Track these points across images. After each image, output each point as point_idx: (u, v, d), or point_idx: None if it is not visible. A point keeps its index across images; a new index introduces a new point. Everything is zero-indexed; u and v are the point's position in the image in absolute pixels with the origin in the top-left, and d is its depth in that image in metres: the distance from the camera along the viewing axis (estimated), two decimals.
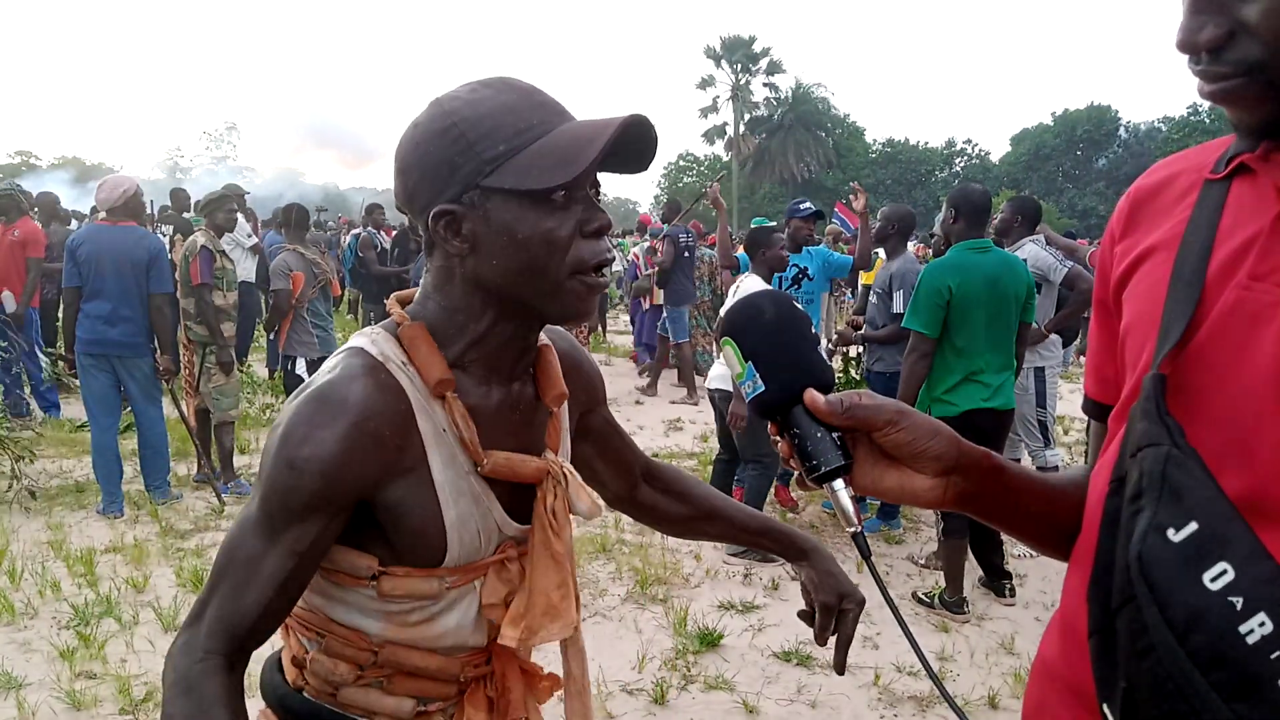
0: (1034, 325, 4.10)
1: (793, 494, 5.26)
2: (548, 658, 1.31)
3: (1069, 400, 7.16)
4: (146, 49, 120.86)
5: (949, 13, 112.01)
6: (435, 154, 0.95)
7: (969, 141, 58.55)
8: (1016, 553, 4.43)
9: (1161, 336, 0.71)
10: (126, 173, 14.29)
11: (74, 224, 9.36)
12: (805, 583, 1.28)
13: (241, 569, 0.93)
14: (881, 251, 5.27)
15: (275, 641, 1.15)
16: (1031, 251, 4.60)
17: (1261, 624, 0.56)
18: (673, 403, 8.37)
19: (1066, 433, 7.38)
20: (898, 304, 4.59)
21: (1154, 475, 0.64)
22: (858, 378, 5.42)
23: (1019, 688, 3.19)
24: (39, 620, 3.61)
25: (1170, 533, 0.61)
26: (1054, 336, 4.78)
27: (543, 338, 1.11)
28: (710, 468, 5.05)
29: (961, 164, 50.45)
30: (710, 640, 3.52)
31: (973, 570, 4.05)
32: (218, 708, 0.88)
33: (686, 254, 8.52)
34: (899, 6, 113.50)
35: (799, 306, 0.89)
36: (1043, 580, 4.28)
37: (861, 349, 5.25)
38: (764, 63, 49.35)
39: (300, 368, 5.49)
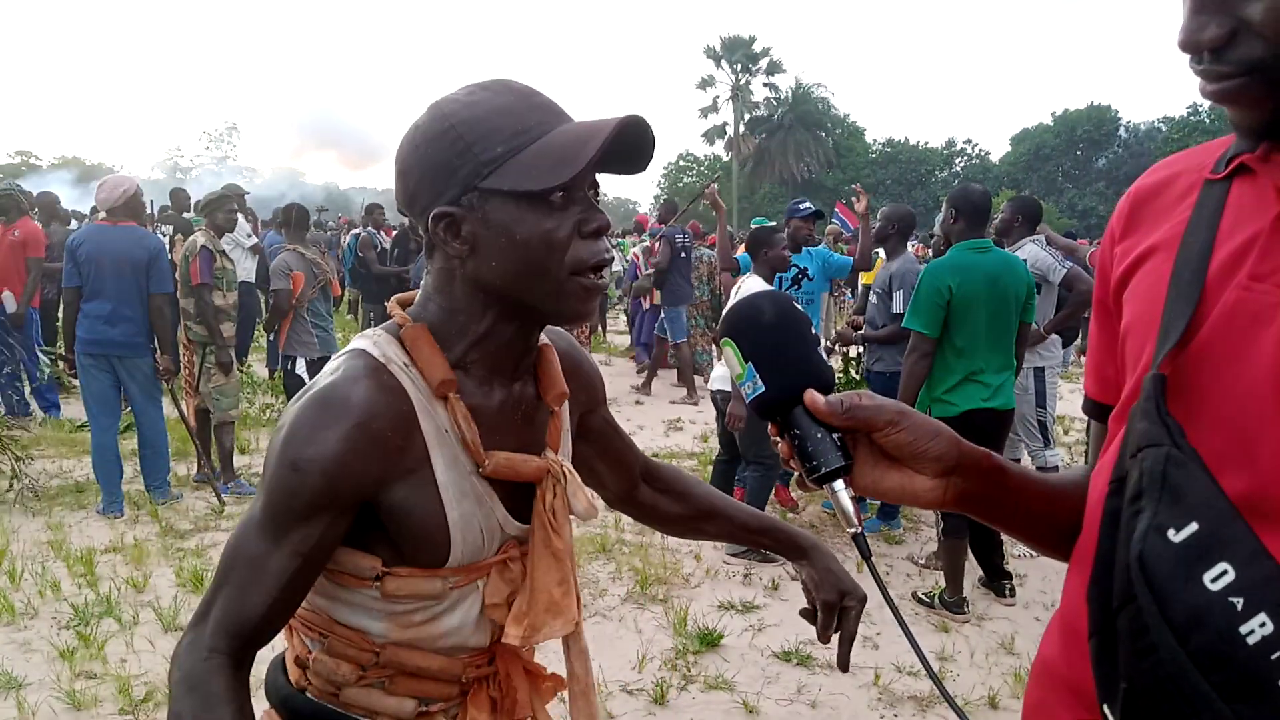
0: (1033, 326, 4.11)
1: (793, 494, 5.26)
2: (548, 658, 1.31)
3: (1069, 400, 7.17)
4: (147, 49, 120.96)
5: (949, 13, 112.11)
6: (434, 157, 0.96)
7: (969, 141, 58.61)
8: (1016, 553, 4.43)
9: (1162, 337, 0.71)
10: (126, 173, 14.28)
11: (74, 224, 9.36)
12: (806, 581, 1.29)
13: (245, 569, 0.94)
14: (881, 251, 5.28)
15: (280, 643, 1.15)
16: (1031, 252, 4.60)
17: (1262, 624, 0.56)
18: (673, 403, 8.37)
19: (1066, 433, 7.38)
20: (897, 304, 4.59)
21: (1154, 475, 0.64)
22: (857, 378, 5.42)
23: (1019, 688, 3.19)
24: (39, 620, 3.61)
25: (1171, 533, 0.61)
26: (1054, 336, 4.78)
27: (543, 338, 1.11)
28: (710, 468, 5.05)
29: (961, 164, 50.46)
30: (710, 640, 3.52)
31: (973, 570, 4.05)
32: (223, 706, 0.88)
33: (683, 254, 8.53)
34: (899, 6, 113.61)
35: (799, 307, 0.90)
36: (1043, 580, 4.28)
37: (861, 349, 5.25)
38: (764, 63, 49.37)
39: (300, 368, 5.49)
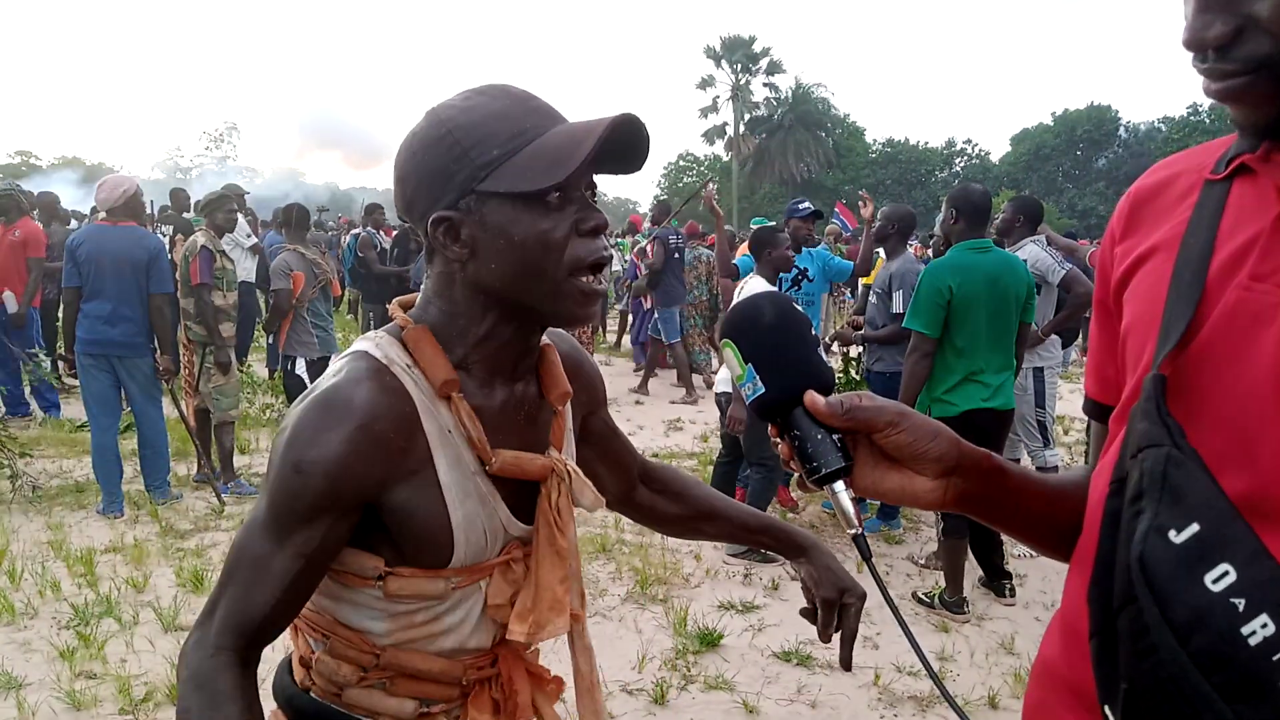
0: (1033, 327, 4.10)
1: (793, 494, 5.26)
2: (550, 660, 1.31)
3: (1069, 400, 7.17)
4: (147, 49, 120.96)
5: (949, 13, 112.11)
6: (431, 162, 0.97)
7: (969, 141, 58.58)
8: (1016, 553, 4.43)
9: (1162, 337, 0.71)
10: (127, 173, 14.27)
11: (74, 224, 9.36)
12: (805, 579, 1.29)
13: (249, 570, 0.94)
14: (881, 251, 5.28)
15: (289, 644, 1.15)
16: (1032, 252, 4.60)
17: (1264, 625, 0.56)
18: (672, 403, 8.37)
19: (1066, 433, 7.38)
20: (897, 304, 4.59)
21: (1155, 476, 0.64)
22: (857, 378, 5.42)
23: (1019, 688, 3.19)
24: (39, 620, 3.61)
25: (1171, 534, 0.61)
26: (1053, 336, 4.78)
27: (544, 339, 1.12)
28: (710, 468, 5.05)
29: (961, 164, 50.44)
30: (710, 640, 3.52)
31: (973, 570, 4.05)
32: (229, 704, 0.89)
33: (676, 255, 8.54)
34: (899, 6, 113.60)
35: (799, 308, 0.90)
36: (1043, 580, 4.28)
37: (861, 349, 5.25)
38: (764, 63, 49.33)
39: (300, 368, 5.49)
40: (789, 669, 3.36)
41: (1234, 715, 0.57)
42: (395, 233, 9.91)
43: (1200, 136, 36.86)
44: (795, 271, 5.04)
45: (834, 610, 1.25)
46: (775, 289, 4.24)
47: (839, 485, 0.83)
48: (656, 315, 8.68)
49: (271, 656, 1.01)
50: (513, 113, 0.96)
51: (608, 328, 12.87)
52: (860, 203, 5.67)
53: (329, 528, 0.95)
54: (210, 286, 5.20)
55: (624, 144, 0.98)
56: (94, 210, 6.77)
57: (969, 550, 3.91)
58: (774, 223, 5.64)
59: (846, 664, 1.23)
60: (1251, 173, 0.71)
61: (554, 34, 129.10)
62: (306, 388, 1.02)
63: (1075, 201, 43.25)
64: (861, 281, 8.01)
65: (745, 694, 3.14)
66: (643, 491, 1.39)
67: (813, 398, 0.83)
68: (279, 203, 7.13)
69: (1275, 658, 0.56)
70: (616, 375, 9.56)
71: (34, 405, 7.17)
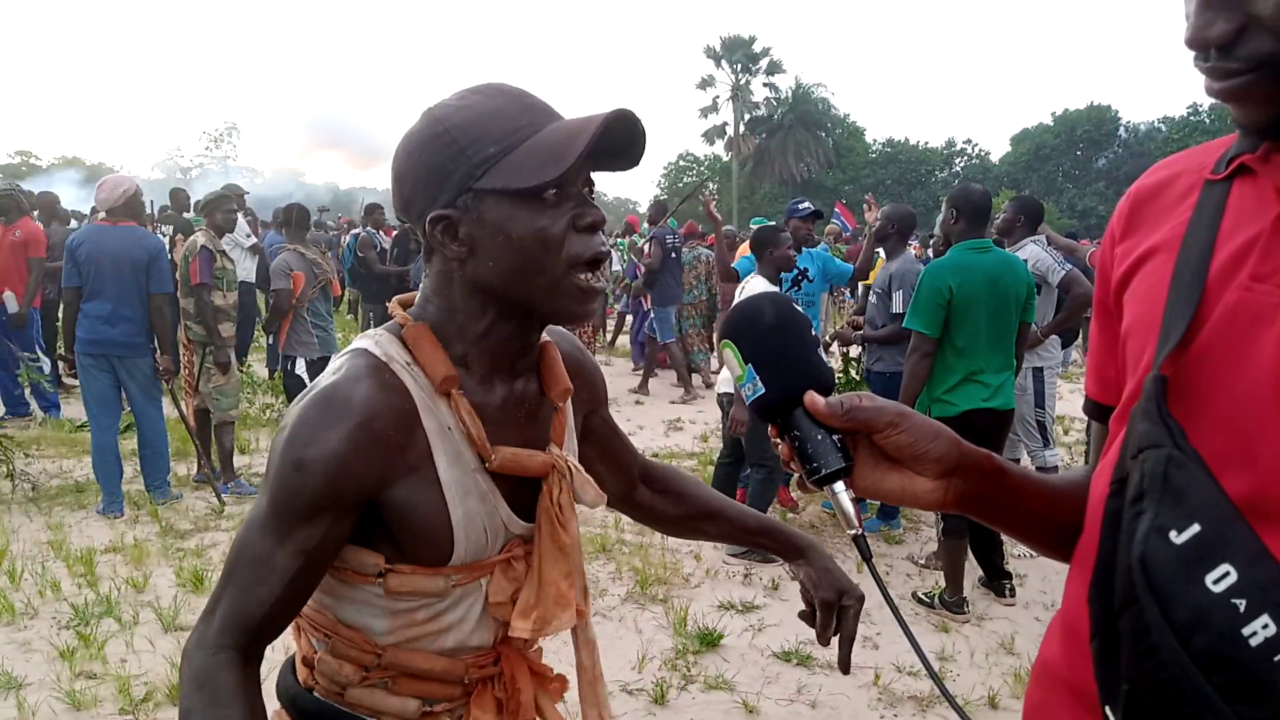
0: (1033, 327, 4.10)
1: (793, 495, 5.26)
2: (551, 658, 1.31)
3: (1069, 400, 7.17)
4: (147, 49, 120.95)
5: (949, 13, 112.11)
6: (428, 161, 0.97)
7: (969, 141, 58.52)
8: (1016, 553, 4.43)
9: (1162, 338, 0.71)
10: (127, 173, 14.28)
11: (74, 224, 9.36)
12: (804, 581, 1.28)
13: (250, 568, 0.94)
14: (881, 251, 5.28)
15: (291, 645, 1.15)
16: (1032, 252, 4.60)
17: (1265, 626, 0.56)
18: (672, 403, 8.38)
19: (1066, 433, 7.38)
20: (897, 304, 4.59)
21: (1155, 477, 0.64)
22: (857, 378, 5.42)
23: (1019, 688, 3.19)
24: (39, 620, 3.61)
25: (1172, 534, 0.61)
26: (1053, 336, 4.78)
27: (545, 336, 1.12)
28: (710, 468, 5.04)
29: (961, 164, 50.42)
30: (710, 640, 3.52)
31: (973, 570, 4.05)
32: (231, 702, 0.89)
33: (673, 255, 8.54)
34: (899, 6, 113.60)
35: (799, 308, 0.90)
36: (1043, 580, 4.28)
37: (861, 349, 5.25)
38: (764, 63, 49.32)
39: (300, 368, 5.49)
40: (789, 669, 3.36)
41: (1235, 716, 0.57)
42: (395, 233, 9.91)
43: (1200, 136, 36.86)
44: (795, 272, 5.04)
45: (833, 612, 1.25)
46: (776, 289, 4.24)
47: (839, 486, 0.83)
48: (652, 315, 8.69)
49: (274, 657, 1.01)
50: (508, 110, 0.96)
51: (606, 328, 12.87)
52: (865, 206, 5.66)
53: (329, 525, 0.95)
54: (210, 286, 5.20)
55: (620, 139, 0.98)
56: (94, 210, 6.77)
57: (969, 550, 3.91)
58: (774, 223, 5.64)
59: (845, 666, 1.23)
60: (1251, 173, 0.71)
61: (554, 34, 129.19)
62: (306, 387, 1.02)
63: (1075, 201, 43.24)
64: (861, 282, 8.03)
65: (745, 694, 3.14)
66: (643, 491, 1.39)
67: (813, 398, 0.83)
68: (280, 203, 7.13)
69: (1276, 658, 0.56)
70: (616, 375, 9.56)
71: (34, 405, 7.17)
